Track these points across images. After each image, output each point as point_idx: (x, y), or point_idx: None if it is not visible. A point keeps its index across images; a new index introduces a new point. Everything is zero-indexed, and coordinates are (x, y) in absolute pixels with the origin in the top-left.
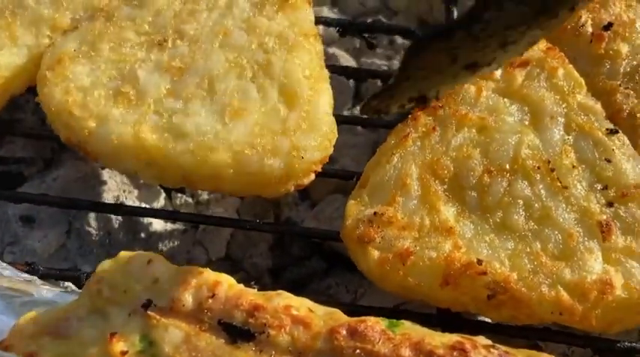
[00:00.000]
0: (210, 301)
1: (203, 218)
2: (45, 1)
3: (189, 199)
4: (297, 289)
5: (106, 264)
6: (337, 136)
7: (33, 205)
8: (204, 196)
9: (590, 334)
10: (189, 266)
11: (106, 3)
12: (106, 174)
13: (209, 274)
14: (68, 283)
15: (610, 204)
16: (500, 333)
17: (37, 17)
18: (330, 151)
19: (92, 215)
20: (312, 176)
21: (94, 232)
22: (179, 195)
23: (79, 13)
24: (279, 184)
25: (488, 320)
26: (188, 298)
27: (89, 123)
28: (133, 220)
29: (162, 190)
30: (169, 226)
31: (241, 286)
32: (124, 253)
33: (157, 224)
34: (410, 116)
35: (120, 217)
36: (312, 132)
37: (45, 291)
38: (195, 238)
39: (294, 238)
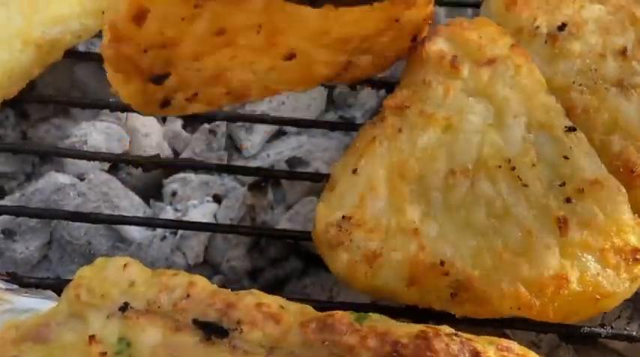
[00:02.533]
0: (184, 301)
1: (181, 224)
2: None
3: (168, 207)
4: (275, 290)
5: (84, 270)
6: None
7: (12, 218)
8: (182, 202)
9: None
10: (164, 269)
11: None
12: (84, 185)
13: (183, 276)
14: (49, 291)
15: (568, 200)
16: (467, 323)
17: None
18: None
19: (72, 226)
20: None
21: (74, 242)
22: (157, 203)
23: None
24: None
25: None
26: (163, 300)
27: None
28: (113, 229)
29: (140, 199)
30: (149, 233)
31: (214, 286)
32: (101, 259)
33: (137, 232)
34: (376, 117)
35: (100, 227)
36: None
37: (25, 299)
38: (174, 244)
39: (270, 240)
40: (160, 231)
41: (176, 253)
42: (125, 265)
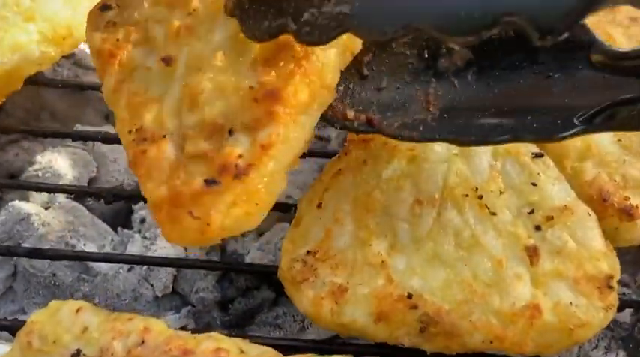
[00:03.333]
0: (139, 348)
1: (145, 259)
2: None
3: (137, 235)
4: (246, 320)
5: (38, 314)
6: None
7: None
8: (152, 230)
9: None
10: (119, 313)
11: None
12: (49, 214)
13: (138, 321)
14: (5, 333)
15: (537, 228)
16: None
17: None
18: None
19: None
20: None
21: (38, 274)
22: (125, 231)
23: None
24: None
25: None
26: (117, 347)
27: None
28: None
29: (108, 227)
30: (115, 264)
31: (172, 330)
32: (54, 303)
33: (103, 263)
34: (342, 151)
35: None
36: None
37: None
38: (141, 275)
39: (242, 269)
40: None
41: (144, 284)
42: (78, 310)
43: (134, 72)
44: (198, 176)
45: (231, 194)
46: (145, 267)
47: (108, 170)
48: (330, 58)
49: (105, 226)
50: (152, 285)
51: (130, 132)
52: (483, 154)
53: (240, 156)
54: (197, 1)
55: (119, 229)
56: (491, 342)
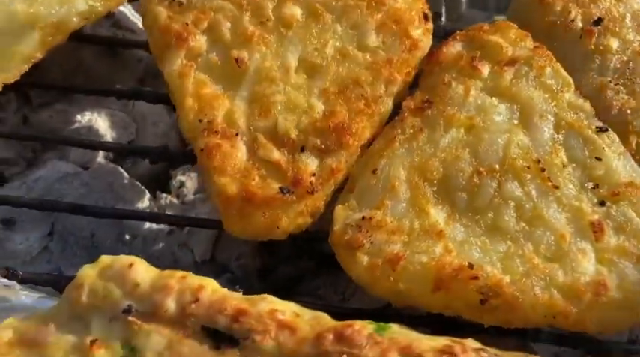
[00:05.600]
0: (193, 306)
1: (188, 220)
2: None
3: (175, 200)
4: (286, 291)
5: (86, 269)
6: None
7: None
8: (190, 196)
9: (581, 334)
10: (172, 270)
11: None
12: (88, 175)
13: (192, 278)
14: (49, 288)
15: (602, 203)
16: (490, 334)
17: None
18: None
19: (75, 217)
20: None
21: (77, 233)
22: (164, 195)
23: None
24: None
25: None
26: (170, 303)
27: None
28: (118, 221)
29: (146, 191)
30: (154, 227)
31: (225, 290)
32: (104, 257)
33: (142, 226)
34: (397, 118)
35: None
36: None
37: (24, 296)
38: (181, 239)
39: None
40: (166, 225)
41: (183, 249)
42: (130, 265)
43: (199, 60)
44: (273, 183)
45: (301, 205)
46: (185, 232)
47: (147, 133)
48: (389, 108)
49: (143, 190)
50: (192, 250)
51: (200, 121)
52: (545, 126)
53: (313, 174)
54: (271, 12)
55: (157, 193)
56: (554, 317)
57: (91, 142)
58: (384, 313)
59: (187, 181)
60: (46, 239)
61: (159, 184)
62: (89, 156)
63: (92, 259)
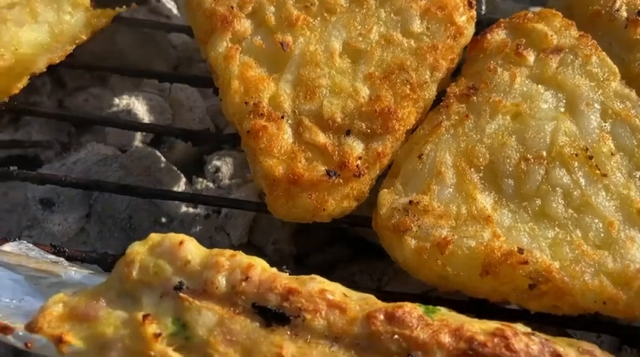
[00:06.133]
0: (243, 284)
1: (230, 202)
2: None
3: (210, 184)
4: (321, 275)
5: (136, 246)
6: None
7: (52, 188)
8: (225, 181)
9: (619, 322)
10: (221, 249)
11: None
12: (126, 158)
13: (242, 257)
14: (95, 266)
15: None
16: (530, 320)
17: None
18: None
19: (113, 199)
20: None
21: (114, 216)
22: (199, 179)
23: None
24: None
25: (515, 307)
26: (221, 281)
27: None
28: (155, 204)
29: (182, 175)
30: (191, 210)
31: (274, 269)
32: (154, 235)
33: (179, 209)
34: (442, 104)
35: (142, 202)
36: None
37: (73, 272)
38: (218, 223)
39: (318, 223)
40: (203, 209)
41: (220, 233)
42: (180, 243)
43: (243, 43)
44: (319, 165)
45: (347, 188)
46: (222, 215)
47: (183, 118)
48: (433, 94)
49: (179, 174)
50: (228, 234)
51: (246, 103)
52: (592, 114)
53: (359, 157)
54: None
55: (193, 177)
56: (604, 303)
57: (133, 123)
58: (425, 297)
59: (223, 166)
60: (83, 221)
61: (194, 169)
62: (126, 139)
63: (128, 241)
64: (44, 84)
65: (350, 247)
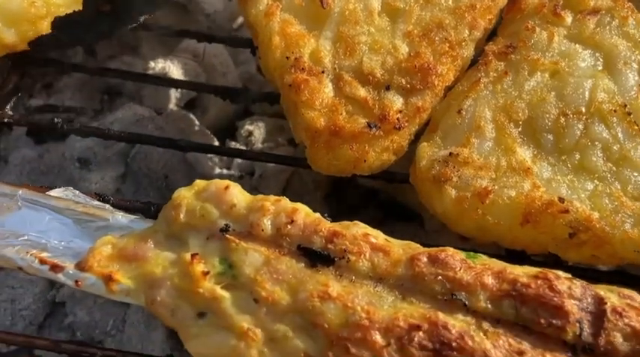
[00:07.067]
0: (289, 227)
1: (271, 157)
2: None
3: (243, 148)
4: None
5: (182, 191)
6: None
7: (89, 148)
8: (258, 145)
9: None
10: (264, 195)
11: None
12: (162, 119)
13: (286, 202)
14: (139, 214)
15: None
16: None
17: None
18: None
19: (149, 159)
20: None
21: (150, 175)
22: (232, 143)
23: None
24: None
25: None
26: (267, 224)
27: None
28: (190, 165)
29: (215, 138)
30: (225, 172)
31: (318, 214)
32: (199, 181)
33: (213, 170)
34: (480, 61)
35: (177, 163)
36: None
37: (120, 217)
38: (252, 184)
39: (350, 187)
40: (237, 170)
41: (253, 193)
42: (226, 188)
43: (283, 1)
44: (360, 118)
45: (387, 140)
46: (256, 176)
47: (216, 83)
48: (471, 53)
49: (212, 137)
50: (262, 194)
51: (287, 58)
52: (630, 72)
53: (399, 111)
54: None
55: (227, 140)
56: None
57: (172, 80)
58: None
59: (255, 130)
60: (119, 180)
61: (227, 133)
62: (162, 102)
63: (164, 201)
64: (76, 53)
65: (381, 210)
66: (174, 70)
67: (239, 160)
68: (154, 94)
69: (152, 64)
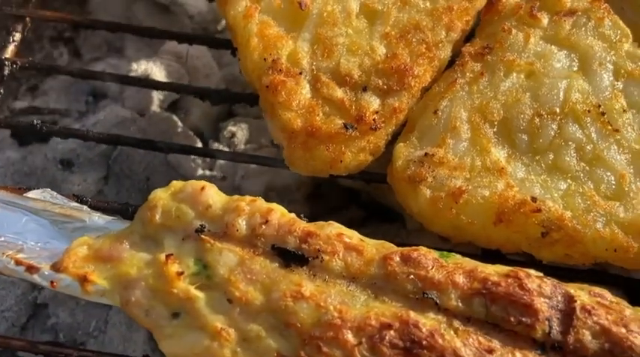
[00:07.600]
0: (263, 227)
1: (251, 158)
2: None
3: (226, 149)
4: None
5: (158, 191)
6: None
7: (72, 149)
8: (241, 146)
9: (621, 274)
10: (240, 196)
11: None
12: (144, 121)
13: (261, 202)
14: (117, 216)
15: None
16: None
17: None
18: None
19: (131, 160)
20: None
21: (132, 177)
22: (215, 144)
23: None
24: None
25: (525, 262)
26: (242, 224)
27: None
28: (172, 166)
29: (198, 140)
30: (207, 173)
31: (293, 215)
32: (175, 182)
33: (195, 171)
34: (457, 62)
35: (159, 164)
36: None
37: (97, 218)
38: (234, 185)
39: (332, 187)
40: (219, 172)
41: (235, 194)
42: (202, 188)
43: (262, 2)
44: (336, 119)
45: (364, 141)
46: (238, 178)
47: (199, 84)
48: (448, 54)
49: (196, 138)
50: (243, 195)
51: (265, 59)
52: (604, 73)
53: (376, 112)
54: None
55: (210, 141)
56: (615, 251)
57: (153, 81)
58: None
59: (238, 131)
60: (101, 182)
61: (210, 134)
62: (144, 104)
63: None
64: (61, 55)
65: (362, 211)
66: (157, 71)
67: (221, 162)
68: (136, 95)
69: (135, 65)
